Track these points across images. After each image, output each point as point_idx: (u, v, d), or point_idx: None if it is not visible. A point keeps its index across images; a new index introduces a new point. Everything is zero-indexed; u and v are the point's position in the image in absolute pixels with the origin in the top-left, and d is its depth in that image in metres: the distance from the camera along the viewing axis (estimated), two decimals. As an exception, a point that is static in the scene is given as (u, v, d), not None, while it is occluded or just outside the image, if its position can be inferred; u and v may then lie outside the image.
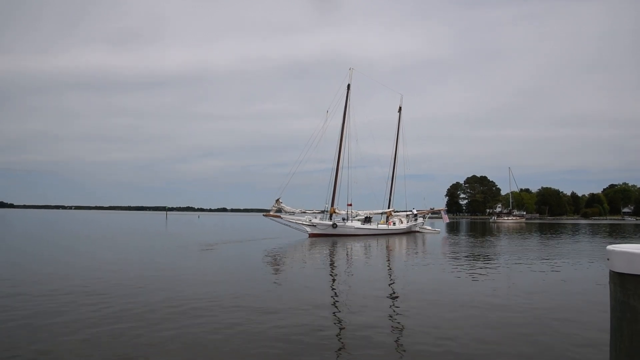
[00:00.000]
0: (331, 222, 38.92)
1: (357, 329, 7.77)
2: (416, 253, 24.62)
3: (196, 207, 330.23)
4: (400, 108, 52.50)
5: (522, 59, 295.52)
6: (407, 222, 47.91)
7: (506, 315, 8.94)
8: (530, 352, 6.58)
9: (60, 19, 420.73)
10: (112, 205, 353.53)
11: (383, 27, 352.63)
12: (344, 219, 40.35)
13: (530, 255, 22.10)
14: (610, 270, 2.50)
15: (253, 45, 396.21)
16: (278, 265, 18.46)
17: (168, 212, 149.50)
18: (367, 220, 42.86)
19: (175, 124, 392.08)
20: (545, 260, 19.45)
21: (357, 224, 40.99)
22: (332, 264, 19.08)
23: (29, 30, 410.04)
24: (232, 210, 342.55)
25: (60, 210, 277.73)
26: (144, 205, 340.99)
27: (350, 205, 41.35)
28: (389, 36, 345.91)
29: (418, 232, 47.64)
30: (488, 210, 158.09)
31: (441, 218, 62.43)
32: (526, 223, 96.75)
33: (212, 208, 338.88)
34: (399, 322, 8.42)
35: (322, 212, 40.60)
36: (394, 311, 9.40)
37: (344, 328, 7.94)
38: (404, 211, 51.44)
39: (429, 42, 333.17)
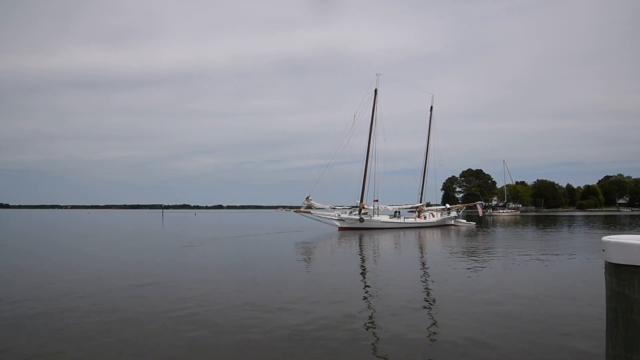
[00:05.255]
0: (358, 217, 41.36)
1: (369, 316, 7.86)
2: (431, 243, 27.12)
3: (192, 205, 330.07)
4: (431, 107, 55.07)
5: (516, 51, 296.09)
6: (441, 215, 49.86)
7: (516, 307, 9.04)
8: (526, 341, 6.64)
9: (55, 18, 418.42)
10: (107, 204, 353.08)
11: (378, 22, 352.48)
12: (371, 215, 43.04)
13: (526, 248, 22.28)
14: (605, 261, 2.52)
15: (247, 42, 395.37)
16: (312, 253, 21.56)
17: (164, 210, 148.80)
18: (396, 214, 45.83)
19: (170, 122, 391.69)
20: (540, 254, 19.55)
21: (385, 218, 43.86)
22: (360, 253, 22.07)
23: (25, 30, 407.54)
24: (229, 207, 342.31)
25: (56, 210, 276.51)
26: (139, 203, 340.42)
27: (377, 200, 44.25)
28: (383, 31, 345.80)
29: (453, 225, 49.19)
30: (484, 204, 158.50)
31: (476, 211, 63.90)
32: (521, 216, 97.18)
33: (208, 205, 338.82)
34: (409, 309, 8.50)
35: (352, 207, 43.29)
36: (406, 295, 9.46)
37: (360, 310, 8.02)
38: (436, 205, 54.69)
39: (422, 36, 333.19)
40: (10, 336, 7.15)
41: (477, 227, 46.20)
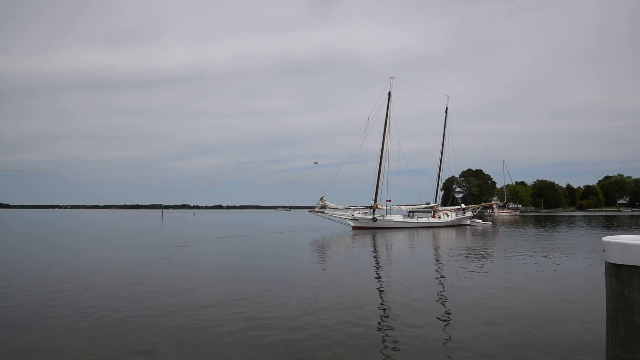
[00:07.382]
0: (371, 217, 42.21)
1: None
2: (443, 243, 27.72)
3: (192, 205, 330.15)
4: (446, 109, 55.95)
5: (517, 51, 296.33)
6: (456, 215, 50.41)
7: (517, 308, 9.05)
8: (529, 342, 6.63)
9: (58, 19, 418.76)
10: (107, 204, 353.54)
11: (379, 24, 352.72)
12: (384, 214, 44.27)
13: (528, 247, 22.33)
14: (605, 261, 2.52)
15: (250, 43, 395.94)
16: (327, 252, 22.84)
17: (164, 210, 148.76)
18: (410, 214, 46.94)
19: (172, 122, 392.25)
20: (545, 253, 19.57)
21: (397, 218, 44.87)
22: (373, 250, 23.06)
23: (27, 31, 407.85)
24: (228, 207, 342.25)
25: (56, 210, 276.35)
26: (139, 203, 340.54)
27: (390, 201, 45.61)
28: (385, 32, 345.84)
29: (469, 225, 49.67)
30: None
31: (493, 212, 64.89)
32: (521, 216, 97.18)
33: (208, 205, 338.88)
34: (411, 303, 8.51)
35: (367, 207, 44.18)
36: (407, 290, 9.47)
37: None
38: (451, 205, 56.29)
39: (424, 37, 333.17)
40: (9, 337, 7.15)
41: (492, 227, 46.28)
